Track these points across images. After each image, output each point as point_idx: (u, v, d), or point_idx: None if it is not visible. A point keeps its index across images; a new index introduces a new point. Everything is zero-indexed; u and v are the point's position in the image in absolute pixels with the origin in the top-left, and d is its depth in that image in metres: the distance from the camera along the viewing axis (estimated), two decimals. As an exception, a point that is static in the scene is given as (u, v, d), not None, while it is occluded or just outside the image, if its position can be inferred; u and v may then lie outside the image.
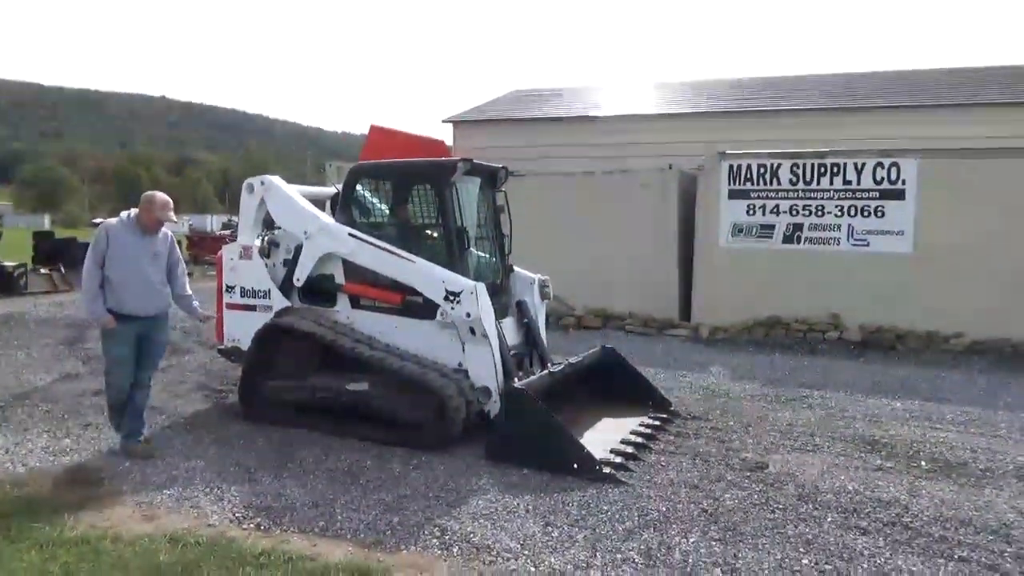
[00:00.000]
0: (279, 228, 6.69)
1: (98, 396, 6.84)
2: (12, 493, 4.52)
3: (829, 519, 4.36)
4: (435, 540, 4.01)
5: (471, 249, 6.33)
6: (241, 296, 6.60)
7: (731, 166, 10.90)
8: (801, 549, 3.95)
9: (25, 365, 8.23)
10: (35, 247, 18.26)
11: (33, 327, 10.69)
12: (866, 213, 10.20)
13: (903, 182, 10.01)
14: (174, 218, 5.30)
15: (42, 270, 15.88)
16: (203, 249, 25.10)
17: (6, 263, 15.09)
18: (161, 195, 5.27)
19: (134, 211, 5.22)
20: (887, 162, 10.09)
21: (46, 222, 63.76)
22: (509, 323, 6.41)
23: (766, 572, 3.70)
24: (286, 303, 6.40)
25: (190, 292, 5.59)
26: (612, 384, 6.63)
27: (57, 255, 17.35)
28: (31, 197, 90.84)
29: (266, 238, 6.73)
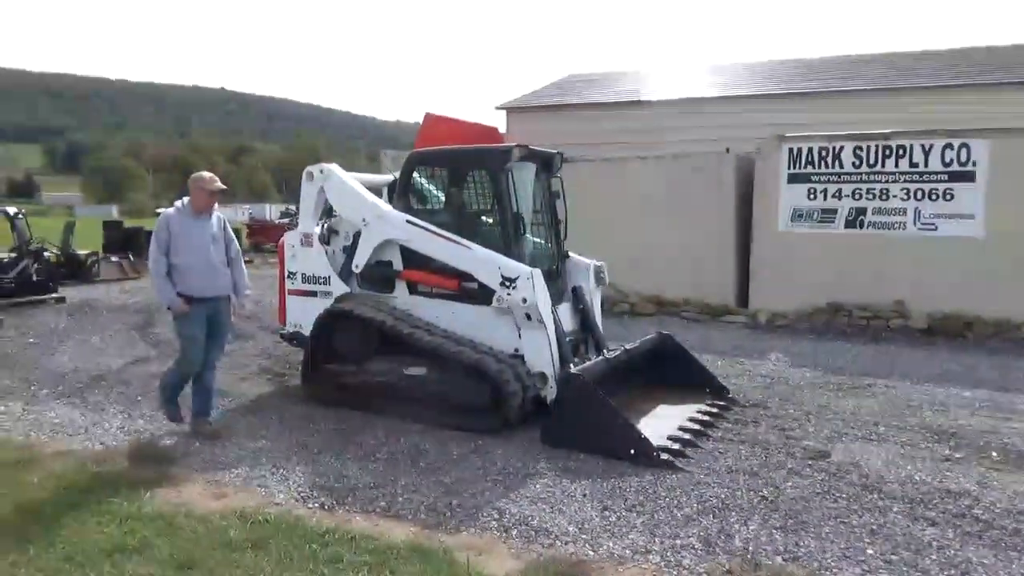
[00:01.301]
0: (338, 215, 6.82)
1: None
2: (92, 469, 4.74)
3: (895, 509, 4.26)
4: (494, 522, 4.06)
5: (527, 235, 6.34)
6: (302, 282, 6.76)
7: (791, 149, 10.64)
8: (866, 539, 3.88)
9: (99, 349, 8.60)
10: (105, 236, 19.00)
11: (106, 313, 11.14)
12: (934, 196, 9.84)
13: (973, 164, 9.62)
14: (222, 185, 5.48)
15: (112, 258, 16.51)
16: (263, 237, 25.75)
17: (79, 252, 15.75)
18: (206, 172, 5.52)
19: (186, 198, 5.42)
20: (956, 143, 9.70)
21: (114, 211, 66.16)
22: (565, 309, 6.41)
23: (830, 561, 3.64)
24: (345, 289, 6.53)
25: (247, 279, 5.73)
26: (668, 370, 6.59)
27: (126, 243, 18.03)
28: (98, 187, 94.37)
29: (326, 225, 6.86)
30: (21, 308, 11.26)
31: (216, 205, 5.54)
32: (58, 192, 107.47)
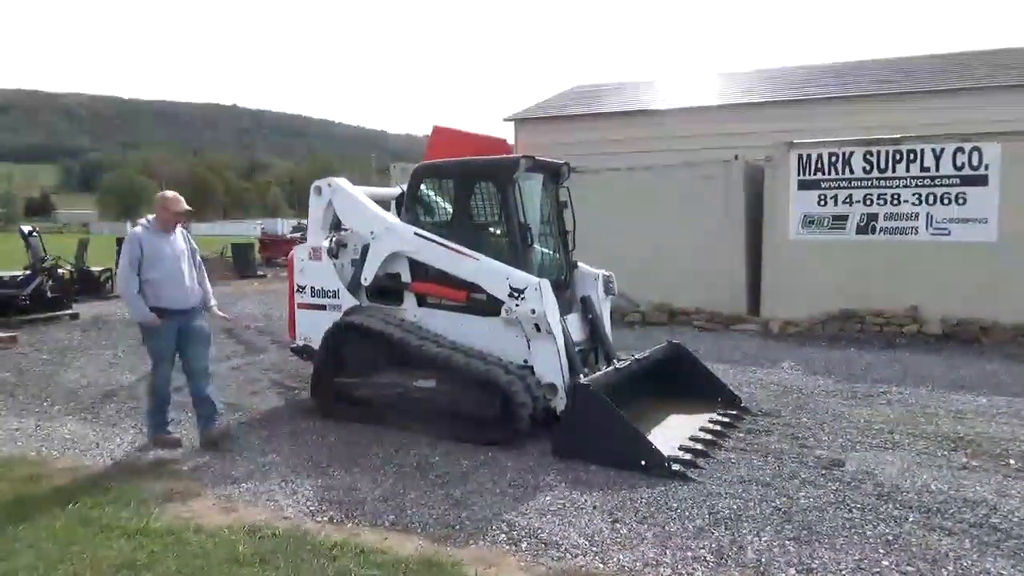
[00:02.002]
0: (346, 229, 6.84)
1: (179, 394, 7.12)
2: (102, 484, 4.75)
3: (911, 519, 4.19)
4: (503, 535, 4.03)
5: (535, 246, 6.33)
6: (312, 296, 6.77)
7: (800, 156, 10.59)
8: (881, 550, 3.81)
9: (112, 364, 8.65)
10: (119, 253, 19.13)
11: (119, 328, 11.21)
12: (946, 201, 9.76)
13: (986, 167, 9.54)
14: (187, 207, 5.65)
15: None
16: (274, 252, 25.89)
17: (93, 268, 15.88)
18: (171, 192, 5.68)
19: (151, 216, 5.57)
20: (968, 147, 9.63)
21: (128, 228, 66.73)
22: (574, 319, 6.39)
23: (844, 573, 3.58)
24: (354, 302, 6.54)
25: (209, 287, 5.88)
26: (680, 380, 6.53)
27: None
28: (114, 205, 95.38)
29: (334, 239, 6.88)
30: (35, 325, 11.36)
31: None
32: (74, 210, 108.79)
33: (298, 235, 26.58)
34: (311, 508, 4.42)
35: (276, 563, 3.68)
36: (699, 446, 5.29)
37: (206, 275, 5.90)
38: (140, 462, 5.27)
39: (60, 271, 13.57)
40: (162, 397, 5.64)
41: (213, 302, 5.92)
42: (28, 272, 12.49)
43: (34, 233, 13.36)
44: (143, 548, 3.83)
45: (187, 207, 5.65)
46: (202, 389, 5.64)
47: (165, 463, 5.24)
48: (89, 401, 6.94)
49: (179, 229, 5.69)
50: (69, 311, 12.31)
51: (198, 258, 5.82)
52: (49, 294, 12.29)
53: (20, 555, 3.74)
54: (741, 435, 5.76)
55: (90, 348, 9.64)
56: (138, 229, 5.52)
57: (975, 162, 9.59)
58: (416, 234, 6.21)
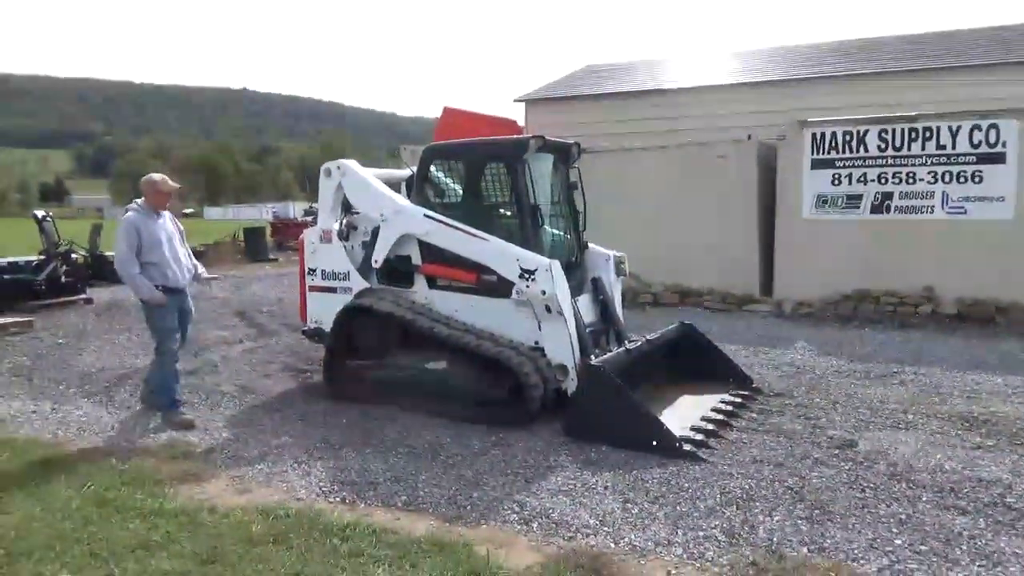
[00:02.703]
0: (357, 211, 6.82)
1: (194, 376, 7.19)
2: (117, 467, 4.79)
3: (924, 499, 4.17)
4: (514, 515, 4.04)
5: (545, 226, 6.30)
6: (322, 278, 6.78)
7: (814, 134, 10.46)
8: (894, 529, 3.80)
9: (127, 348, 8.71)
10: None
11: (134, 312, 11.24)
12: (962, 179, 9.62)
13: (1003, 144, 9.38)
14: (174, 184, 5.94)
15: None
16: (286, 235, 25.93)
17: (107, 253, 15.97)
18: (158, 175, 5.95)
19: (141, 200, 5.76)
20: (985, 124, 9.47)
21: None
22: (585, 300, 6.37)
23: (857, 552, 3.57)
24: (365, 284, 6.54)
25: (194, 260, 6.17)
26: (691, 361, 6.51)
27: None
28: (127, 190, 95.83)
29: (344, 221, 6.87)
30: (51, 309, 11.44)
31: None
32: (88, 195, 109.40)
33: (310, 219, 26.62)
34: (324, 489, 4.45)
35: (289, 543, 3.70)
36: (711, 426, 5.28)
37: (190, 249, 6.23)
38: (154, 444, 5.32)
39: (74, 256, 13.65)
40: (172, 374, 5.84)
41: (201, 269, 6.20)
42: (43, 257, 12.57)
43: (48, 218, 13.42)
44: (158, 529, 3.87)
45: (175, 185, 5.95)
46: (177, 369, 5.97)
47: (179, 445, 5.28)
48: (104, 384, 7.00)
49: (166, 213, 5.90)
50: (83, 296, 12.39)
51: (183, 234, 6.07)
52: (64, 279, 12.36)
53: (36, 536, 3.79)
54: (753, 415, 5.74)
55: (104, 332, 9.71)
56: (131, 215, 5.67)
57: (992, 139, 9.43)
58: (426, 216, 6.19)
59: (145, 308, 5.77)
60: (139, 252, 5.57)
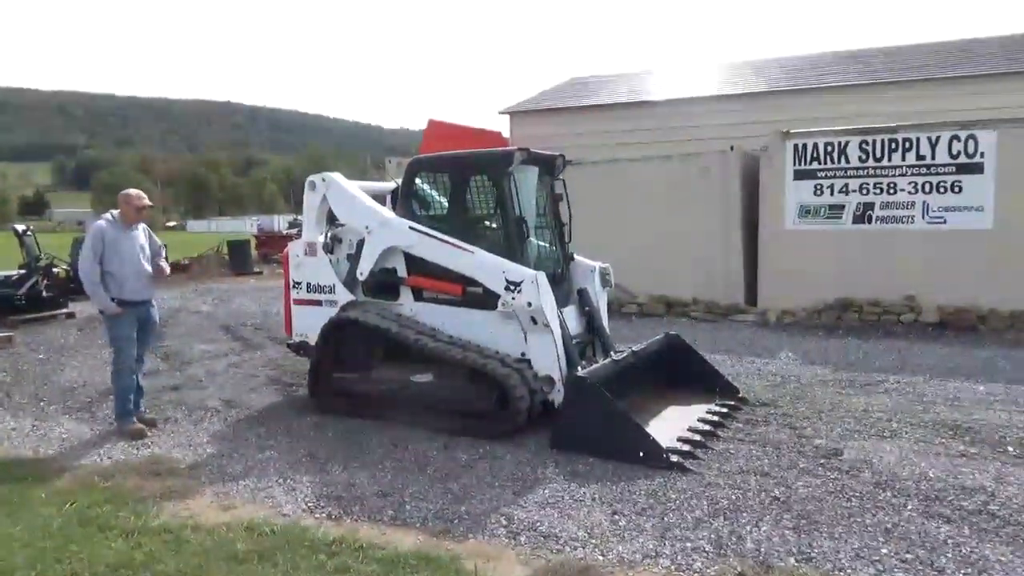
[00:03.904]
0: (342, 224, 6.80)
1: (177, 392, 7.14)
2: (99, 484, 4.73)
3: (909, 507, 4.19)
4: (502, 529, 4.03)
5: (531, 238, 6.30)
6: (307, 291, 6.75)
7: (796, 145, 10.57)
8: (880, 538, 3.81)
9: (108, 363, 8.58)
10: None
11: (114, 326, 11.16)
12: (942, 189, 9.75)
13: (981, 155, 9.53)
14: (149, 202, 6.01)
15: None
16: (271, 248, 25.80)
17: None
18: (134, 190, 6.03)
19: (115, 211, 5.85)
20: (963, 134, 9.62)
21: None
22: (571, 311, 6.38)
23: (844, 561, 3.58)
24: (351, 297, 6.51)
25: (166, 266, 6.25)
26: (677, 371, 6.53)
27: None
28: (109, 203, 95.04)
29: (329, 234, 6.85)
30: (31, 324, 11.32)
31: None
32: (69, 208, 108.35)
33: (294, 231, 26.51)
34: (309, 504, 4.42)
35: (275, 560, 3.67)
36: (697, 437, 5.29)
37: (164, 256, 6.28)
38: (137, 460, 5.25)
39: (55, 270, 13.51)
40: (128, 384, 5.86)
41: (164, 264, 6.20)
42: (24, 271, 12.43)
43: (28, 232, 13.28)
44: (141, 547, 3.82)
45: (149, 203, 6.00)
46: (138, 379, 6.01)
47: (162, 461, 5.22)
48: (86, 400, 6.92)
49: (141, 225, 5.96)
50: (65, 310, 12.27)
51: (157, 243, 6.10)
52: (45, 293, 12.24)
53: (17, 555, 3.73)
54: (739, 425, 5.76)
55: (86, 347, 9.60)
56: (102, 223, 5.75)
57: (971, 150, 9.57)
58: (411, 228, 6.18)
59: (104, 317, 5.88)
60: (102, 260, 5.64)
